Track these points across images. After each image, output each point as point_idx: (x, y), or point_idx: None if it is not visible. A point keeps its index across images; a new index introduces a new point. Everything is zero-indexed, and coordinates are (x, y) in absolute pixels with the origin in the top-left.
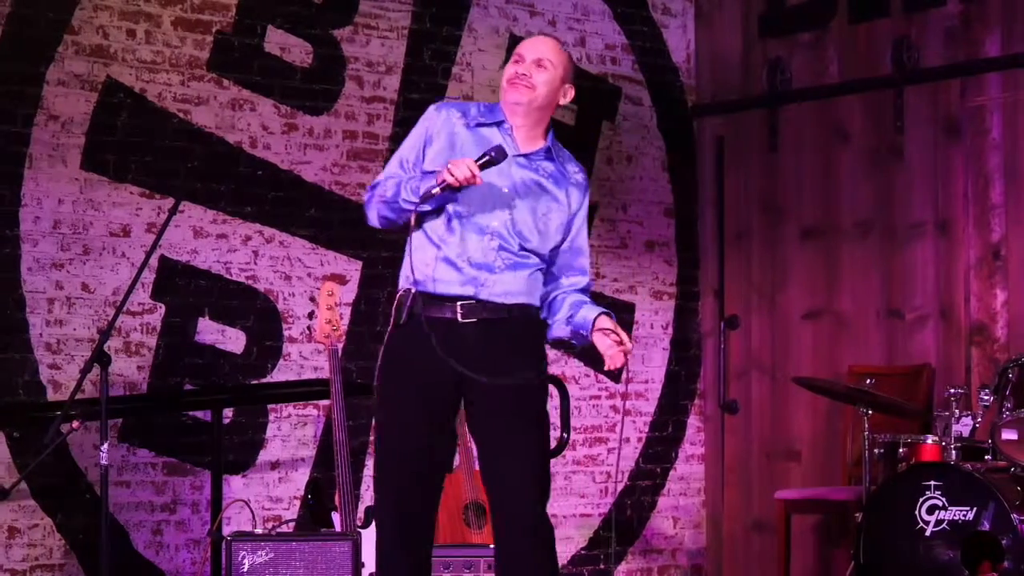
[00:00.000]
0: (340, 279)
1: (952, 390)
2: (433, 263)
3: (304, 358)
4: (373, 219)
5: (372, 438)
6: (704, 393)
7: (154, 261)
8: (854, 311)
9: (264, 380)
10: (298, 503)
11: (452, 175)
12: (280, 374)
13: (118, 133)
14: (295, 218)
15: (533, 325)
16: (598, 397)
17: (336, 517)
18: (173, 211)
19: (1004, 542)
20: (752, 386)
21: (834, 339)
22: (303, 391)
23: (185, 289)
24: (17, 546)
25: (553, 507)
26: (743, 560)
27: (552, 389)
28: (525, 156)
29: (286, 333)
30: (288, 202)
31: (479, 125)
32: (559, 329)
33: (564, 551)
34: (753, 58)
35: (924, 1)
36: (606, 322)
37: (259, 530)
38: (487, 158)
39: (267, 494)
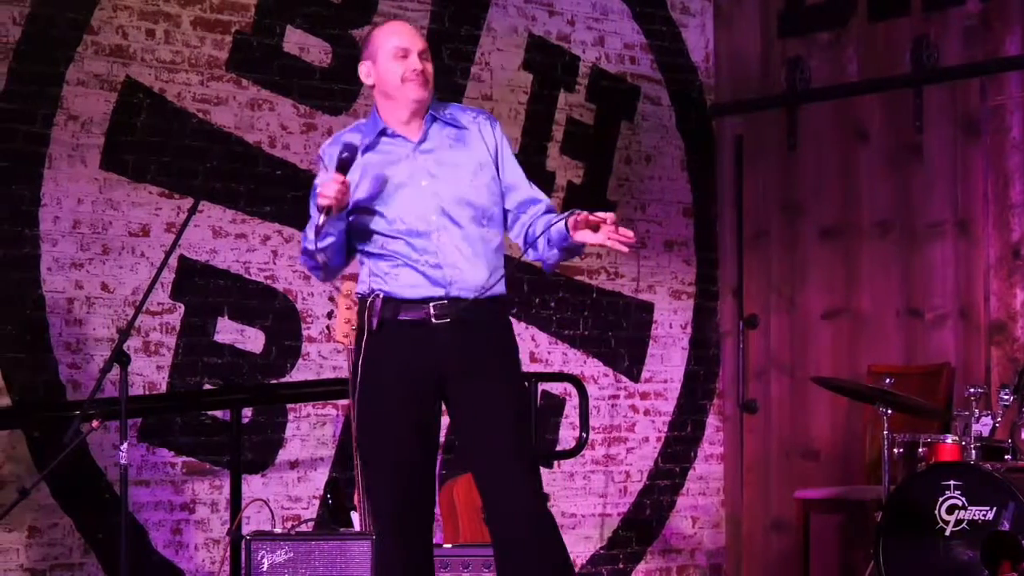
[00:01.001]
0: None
1: (972, 390)
2: (393, 270)
3: (323, 357)
4: (316, 276)
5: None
6: (723, 393)
7: (173, 261)
8: (873, 310)
9: (283, 380)
10: (317, 502)
11: (326, 197)
12: (299, 374)
13: (137, 133)
14: None
15: (504, 319)
16: (616, 396)
17: (355, 516)
18: (192, 211)
19: None
20: (771, 385)
21: (853, 338)
22: (322, 390)
23: (204, 289)
24: (37, 545)
25: (572, 506)
26: (762, 560)
27: (571, 388)
28: (422, 142)
29: (305, 333)
30: (307, 202)
31: (367, 149)
32: (548, 254)
33: (583, 551)
34: (772, 57)
35: (944, 0)
36: (585, 218)
37: (278, 530)
38: (342, 160)
39: (286, 493)
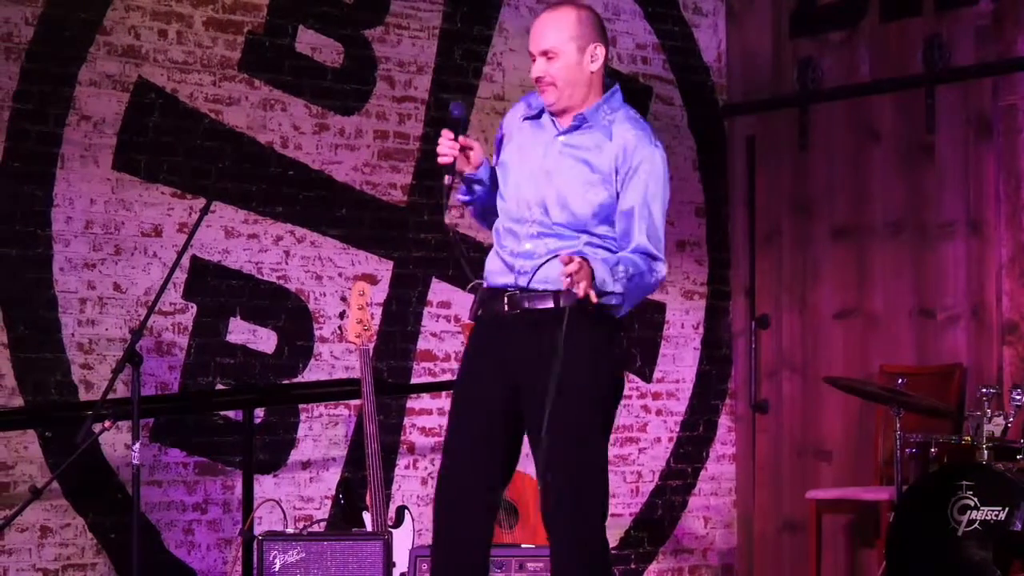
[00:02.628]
0: (371, 279)
1: (984, 390)
2: (490, 255)
3: (335, 358)
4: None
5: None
6: (735, 393)
7: (185, 261)
8: (885, 311)
9: (295, 380)
10: (329, 503)
11: (441, 156)
12: (311, 374)
13: (150, 133)
14: (326, 218)
15: (584, 313)
16: (628, 397)
17: (367, 517)
18: (204, 211)
19: None
20: (783, 386)
21: (865, 339)
22: (334, 391)
23: (216, 289)
24: (49, 545)
25: None
26: (774, 560)
27: None
28: (564, 133)
29: (317, 333)
30: (319, 202)
31: (529, 118)
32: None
33: None
34: (784, 57)
35: (956, 0)
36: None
37: (290, 530)
38: (451, 119)
39: (298, 494)
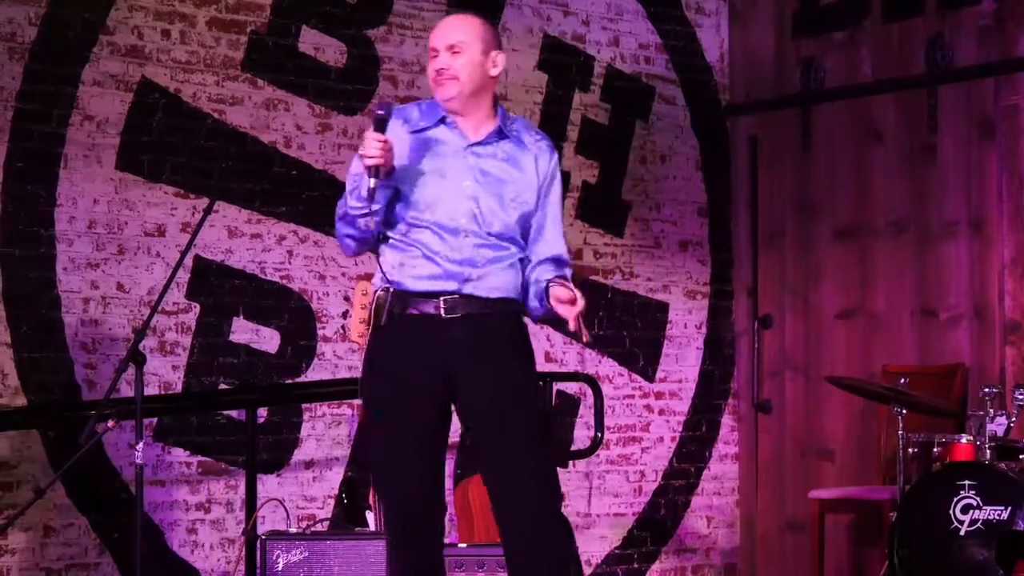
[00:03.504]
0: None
1: (986, 389)
2: (409, 261)
3: (338, 357)
4: (344, 248)
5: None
6: (738, 392)
7: (189, 261)
8: (888, 310)
9: (298, 379)
10: (332, 502)
11: (367, 156)
12: (314, 373)
13: (153, 133)
14: (329, 218)
15: (517, 320)
16: (631, 396)
17: (370, 516)
18: (208, 211)
19: None
20: (786, 385)
21: (868, 338)
22: (337, 390)
23: (220, 289)
24: (53, 545)
25: (587, 506)
26: (777, 559)
27: (586, 388)
28: (479, 144)
29: (320, 332)
30: (322, 202)
31: (420, 131)
32: (534, 308)
33: (598, 550)
34: (786, 57)
35: (958, 0)
36: (558, 291)
37: (293, 529)
38: (377, 118)
39: (301, 493)
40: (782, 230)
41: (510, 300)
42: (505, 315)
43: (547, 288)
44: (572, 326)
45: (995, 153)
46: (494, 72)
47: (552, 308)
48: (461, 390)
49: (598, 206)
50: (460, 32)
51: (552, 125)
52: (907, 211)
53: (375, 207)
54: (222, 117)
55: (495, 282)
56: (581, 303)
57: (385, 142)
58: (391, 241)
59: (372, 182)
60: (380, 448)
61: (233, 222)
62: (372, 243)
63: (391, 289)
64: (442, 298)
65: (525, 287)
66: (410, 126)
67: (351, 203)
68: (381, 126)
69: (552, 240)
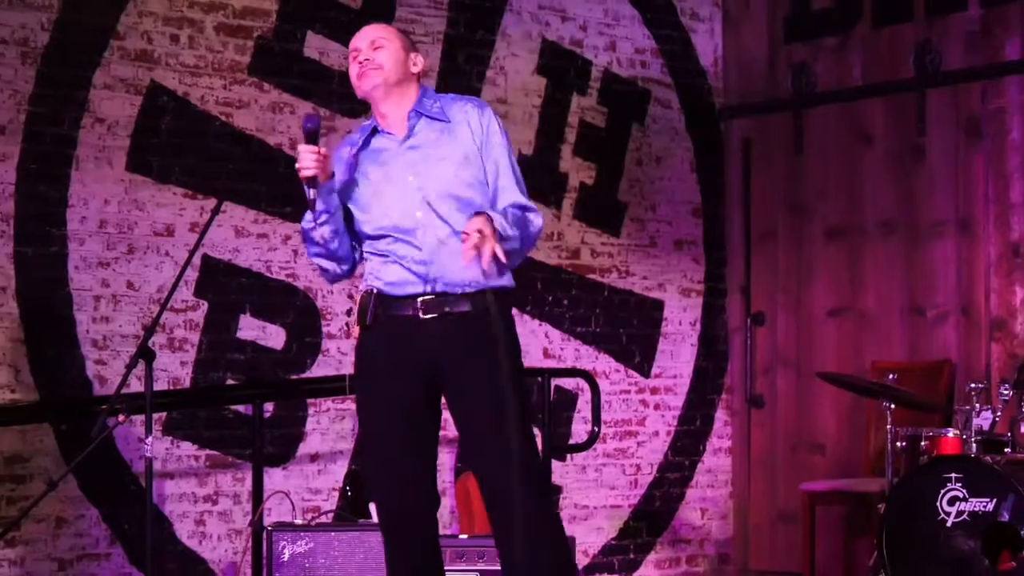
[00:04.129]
0: None
1: (973, 385)
2: (382, 268)
3: (342, 354)
4: (322, 273)
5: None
6: (731, 388)
7: (197, 260)
8: (877, 308)
9: (303, 375)
10: (337, 494)
11: (303, 168)
12: (319, 369)
13: (162, 135)
14: None
15: (499, 310)
16: (628, 392)
17: (373, 508)
18: (215, 211)
19: (1023, 532)
20: (778, 381)
21: (857, 335)
22: (341, 386)
23: (227, 287)
24: (65, 536)
25: (584, 498)
26: (769, 550)
27: (583, 384)
28: (408, 136)
29: (325, 329)
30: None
31: (361, 147)
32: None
33: (594, 542)
34: (779, 62)
35: (946, 6)
36: (470, 223)
37: (299, 521)
38: (307, 131)
39: (306, 486)
40: (774, 230)
41: (490, 290)
42: (483, 308)
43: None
44: (466, 260)
45: (982, 155)
46: (415, 70)
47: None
48: (443, 384)
49: (595, 206)
50: (381, 32)
51: (550, 127)
52: (896, 211)
53: (321, 219)
54: (229, 120)
55: (465, 274)
56: (473, 230)
57: (318, 153)
58: (367, 252)
59: (311, 192)
60: (368, 444)
61: (240, 222)
62: (347, 265)
63: (374, 292)
64: (419, 299)
65: None
66: (352, 147)
67: (307, 218)
68: (312, 138)
69: (505, 190)
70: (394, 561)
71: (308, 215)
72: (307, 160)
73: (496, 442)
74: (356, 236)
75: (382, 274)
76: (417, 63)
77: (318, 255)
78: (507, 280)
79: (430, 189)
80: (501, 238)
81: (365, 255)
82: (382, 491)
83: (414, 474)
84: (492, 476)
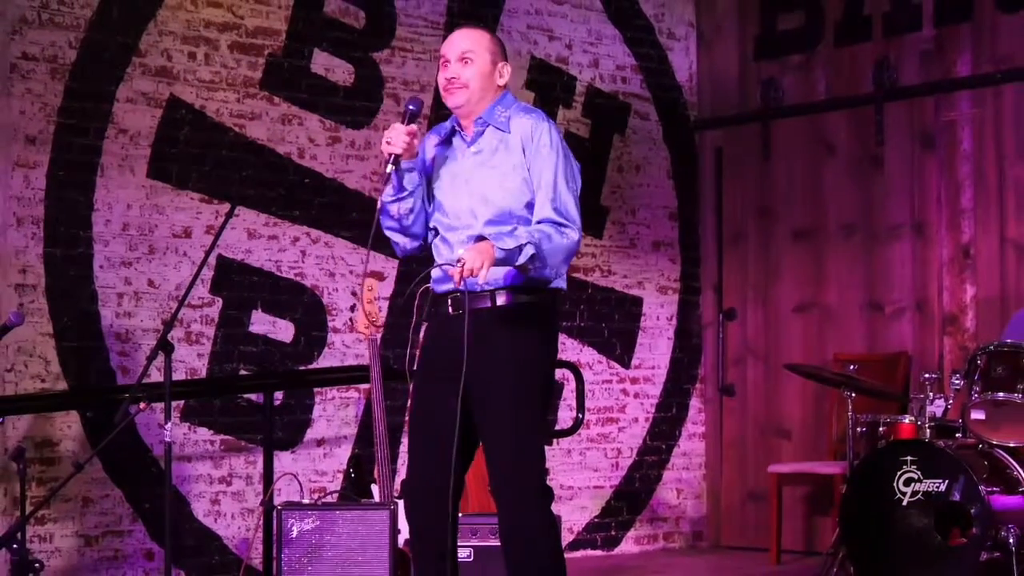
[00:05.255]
0: (379, 276)
1: (927, 375)
2: (433, 269)
3: (346, 346)
4: (393, 245)
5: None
6: (704, 378)
7: (212, 259)
8: (839, 304)
9: (311, 366)
10: (341, 476)
11: (391, 143)
12: (325, 361)
13: (180, 145)
14: (339, 221)
15: (519, 308)
16: (609, 381)
17: (375, 489)
18: (229, 215)
19: (972, 511)
20: (748, 372)
21: (821, 329)
22: (345, 376)
23: (240, 285)
24: (91, 514)
25: (569, 480)
26: (740, 527)
27: (569, 374)
28: (472, 143)
29: (330, 324)
30: (332, 207)
31: (441, 143)
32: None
33: (579, 519)
34: (748, 77)
35: (902, 26)
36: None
37: (306, 500)
38: (408, 112)
39: (313, 468)
40: (744, 232)
41: (519, 292)
42: (506, 307)
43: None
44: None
45: (935, 163)
46: (501, 82)
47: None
48: (466, 377)
49: (581, 211)
50: (472, 44)
51: None
52: (856, 215)
53: (399, 195)
54: (242, 131)
55: (491, 276)
56: (456, 270)
57: (410, 132)
58: (433, 244)
59: (389, 167)
60: (411, 424)
61: (252, 225)
62: (419, 243)
63: (429, 288)
64: (449, 297)
65: None
66: (437, 140)
67: (384, 194)
68: (410, 119)
69: (542, 206)
70: (411, 524)
71: (388, 189)
72: (397, 137)
73: (498, 442)
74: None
75: (432, 272)
76: (503, 74)
77: (391, 229)
78: (544, 279)
79: (476, 195)
80: (502, 262)
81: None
82: (415, 472)
83: (439, 455)
84: (492, 464)
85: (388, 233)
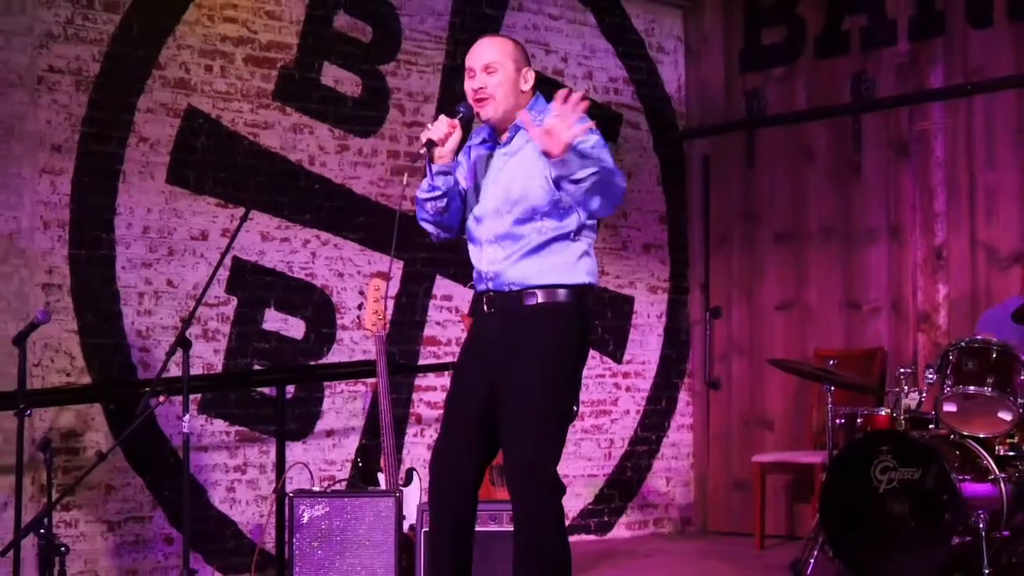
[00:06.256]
0: (385, 276)
1: (902, 370)
2: (474, 268)
3: (354, 343)
4: (430, 233)
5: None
6: (692, 372)
7: (228, 261)
8: (819, 303)
9: (320, 361)
10: (349, 465)
11: (431, 129)
12: (334, 356)
13: (197, 152)
14: (347, 224)
15: (546, 310)
16: (603, 376)
17: (382, 477)
18: (244, 218)
19: (945, 498)
20: (733, 366)
21: (802, 327)
22: (353, 370)
23: (254, 284)
24: (113, 501)
25: (564, 469)
26: (725, 513)
27: None
28: (505, 145)
29: (339, 322)
30: (341, 211)
31: (477, 146)
32: (567, 189)
33: (574, 506)
34: (734, 89)
35: (879, 41)
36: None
37: (316, 488)
38: (459, 111)
39: (323, 458)
40: (730, 235)
41: (538, 288)
42: (533, 306)
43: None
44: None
45: (909, 170)
46: (525, 87)
47: (552, 157)
48: (496, 379)
49: None
50: (495, 53)
51: None
52: (835, 219)
53: (435, 193)
54: (256, 139)
55: (514, 275)
56: (568, 107)
57: (452, 126)
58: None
59: (423, 151)
60: (445, 411)
61: (265, 228)
62: (452, 234)
63: (476, 289)
64: (484, 296)
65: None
66: (479, 142)
67: (420, 189)
68: (458, 117)
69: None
70: (432, 505)
71: (423, 184)
72: (438, 125)
73: (517, 434)
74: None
75: (474, 273)
76: (528, 79)
77: (424, 220)
78: (566, 277)
79: (503, 193)
80: (576, 153)
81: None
82: (438, 463)
83: (468, 456)
84: (510, 465)
85: (423, 224)
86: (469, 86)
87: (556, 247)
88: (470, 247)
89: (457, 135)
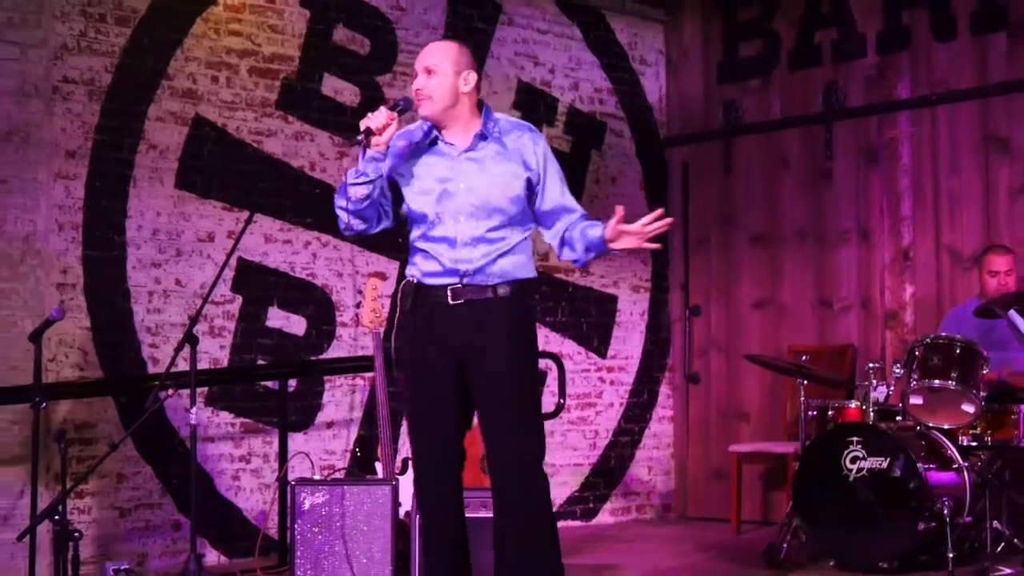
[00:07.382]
0: (382, 276)
1: (871, 365)
2: (423, 262)
3: (353, 339)
4: (339, 222)
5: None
6: (673, 367)
7: (233, 261)
8: (793, 301)
9: (321, 357)
10: (348, 455)
11: (370, 119)
12: (334, 352)
13: (204, 159)
14: None
15: (516, 300)
16: (588, 370)
17: (379, 466)
18: (248, 221)
19: (911, 486)
20: (711, 362)
21: (777, 324)
22: (352, 365)
23: (258, 284)
24: (124, 489)
25: (552, 459)
26: (704, 500)
27: (551, 364)
28: (469, 150)
29: (339, 319)
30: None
31: (418, 144)
32: (584, 257)
33: (560, 494)
34: (712, 99)
35: (849, 54)
36: (617, 232)
37: (317, 476)
38: (397, 103)
39: (323, 448)
40: (708, 237)
41: (512, 283)
42: (505, 297)
43: (602, 238)
44: (645, 243)
45: (878, 176)
46: (466, 89)
47: (612, 249)
48: (468, 361)
49: None
50: (436, 56)
51: None
52: (808, 222)
53: (364, 179)
54: (260, 146)
55: (490, 272)
56: (648, 219)
57: (391, 118)
58: (413, 244)
59: (360, 137)
60: (409, 404)
61: (269, 230)
62: (362, 229)
63: (415, 281)
64: (449, 288)
65: (569, 246)
66: (410, 141)
67: (348, 174)
68: (396, 108)
69: (567, 206)
70: (421, 498)
71: (352, 171)
72: (378, 116)
73: (500, 414)
74: (410, 225)
75: (422, 266)
76: (468, 80)
77: (342, 208)
78: (525, 273)
79: (476, 199)
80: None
81: (412, 246)
82: (415, 439)
83: (442, 429)
84: (492, 442)
85: (339, 211)
86: (413, 86)
87: (520, 247)
88: (427, 243)
89: (394, 127)
